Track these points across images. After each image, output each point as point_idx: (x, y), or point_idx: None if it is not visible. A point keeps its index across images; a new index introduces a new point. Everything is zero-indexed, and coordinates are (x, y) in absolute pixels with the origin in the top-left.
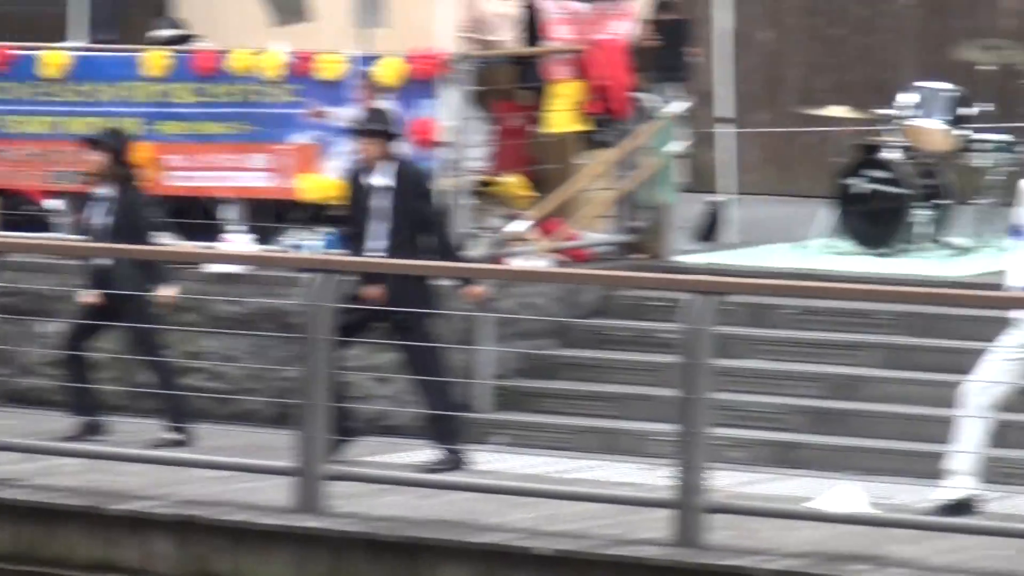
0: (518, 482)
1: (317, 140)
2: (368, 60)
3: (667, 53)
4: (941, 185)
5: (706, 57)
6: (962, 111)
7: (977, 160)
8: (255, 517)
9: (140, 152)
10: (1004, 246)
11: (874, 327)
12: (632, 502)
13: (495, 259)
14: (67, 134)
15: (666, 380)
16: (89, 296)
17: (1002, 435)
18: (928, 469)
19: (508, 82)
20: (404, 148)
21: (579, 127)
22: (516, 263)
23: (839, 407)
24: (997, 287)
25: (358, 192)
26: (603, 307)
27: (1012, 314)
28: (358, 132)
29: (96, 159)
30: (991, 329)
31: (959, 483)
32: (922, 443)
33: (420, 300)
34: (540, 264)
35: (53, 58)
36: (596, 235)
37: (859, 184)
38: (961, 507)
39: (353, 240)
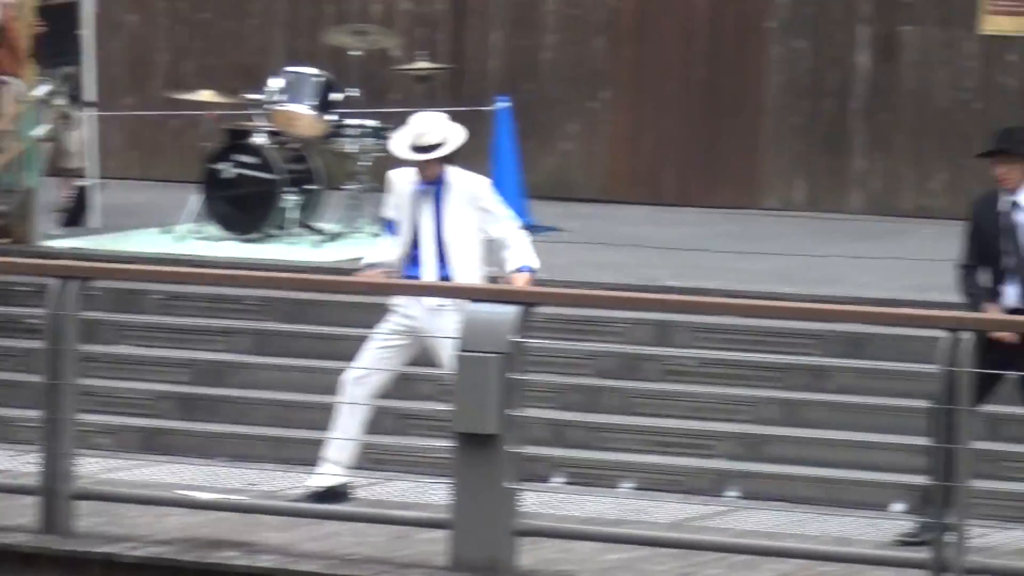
0: None
1: None
2: None
3: (58, 38)
4: (310, 170)
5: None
6: (331, 96)
7: (346, 146)
8: None
9: None
10: (374, 232)
11: (242, 312)
12: None
13: None
14: None
15: (32, 366)
16: None
17: (376, 422)
18: (300, 455)
19: None
20: None
21: None
22: None
23: (208, 393)
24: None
25: None
26: None
27: (390, 301)
28: None
29: None
30: (364, 315)
31: (331, 470)
32: (293, 429)
33: None
34: None
35: None
36: None
37: (227, 169)
38: (333, 494)
39: None
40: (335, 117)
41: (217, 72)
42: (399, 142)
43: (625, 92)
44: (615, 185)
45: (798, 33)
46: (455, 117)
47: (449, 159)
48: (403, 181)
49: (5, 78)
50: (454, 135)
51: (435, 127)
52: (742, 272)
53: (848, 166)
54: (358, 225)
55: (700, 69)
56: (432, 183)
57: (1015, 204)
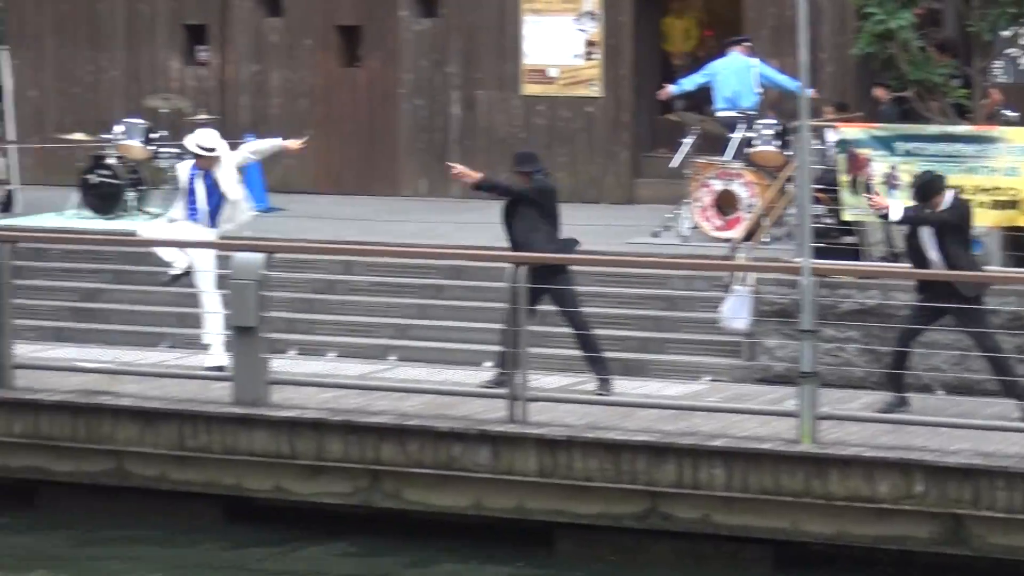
0: None
1: None
2: None
3: None
4: (141, 178)
5: None
6: (152, 135)
7: (161, 163)
8: None
9: None
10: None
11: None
12: None
13: None
14: None
15: None
16: None
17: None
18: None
19: None
20: None
21: None
22: None
23: (84, 306)
24: None
25: None
26: None
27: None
28: None
29: None
30: None
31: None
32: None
33: None
34: None
35: None
36: None
37: (94, 177)
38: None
39: None
40: (155, 147)
41: (84, 123)
42: (189, 142)
43: (320, 130)
44: (317, 183)
45: (418, 96)
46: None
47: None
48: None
49: None
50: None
51: (212, 137)
52: (392, 231)
53: (449, 170)
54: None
55: (362, 115)
56: (206, 170)
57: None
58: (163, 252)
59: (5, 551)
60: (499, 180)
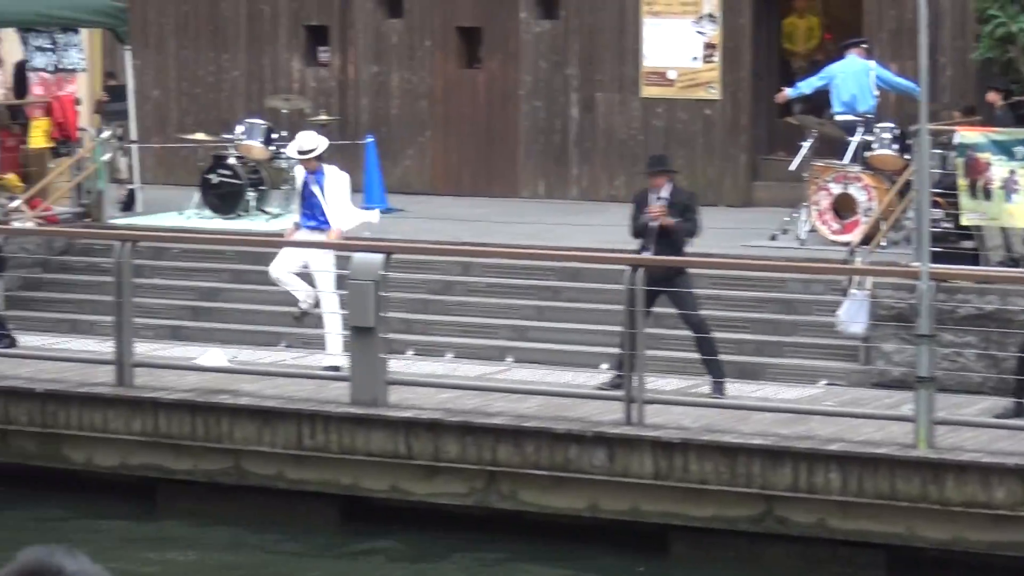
0: None
1: None
2: None
3: (115, 104)
4: (261, 178)
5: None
6: (272, 136)
7: (282, 163)
8: None
9: None
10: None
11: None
12: None
13: (4, 222)
14: None
15: (104, 290)
16: None
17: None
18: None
19: (5, 119)
20: None
21: (49, 145)
22: (15, 224)
23: (205, 305)
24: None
25: None
26: (67, 248)
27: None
28: None
29: None
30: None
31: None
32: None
33: None
34: (28, 225)
35: None
36: (62, 208)
37: (214, 177)
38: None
39: None
40: (275, 147)
41: (206, 123)
42: (290, 150)
43: (439, 131)
44: (436, 184)
45: (537, 98)
46: (342, 148)
47: (319, 158)
48: (301, 172)
49: (84, 128)
50: (321, 143)
51: (310, 139)
52: (510, 232)
53: (568, 172)
54: (288, 209)
55: (481, 116)
56: (313, 172)
57: (659, 199)
58: (292, 290)
59: (127, 546)
60: (683, 228)
